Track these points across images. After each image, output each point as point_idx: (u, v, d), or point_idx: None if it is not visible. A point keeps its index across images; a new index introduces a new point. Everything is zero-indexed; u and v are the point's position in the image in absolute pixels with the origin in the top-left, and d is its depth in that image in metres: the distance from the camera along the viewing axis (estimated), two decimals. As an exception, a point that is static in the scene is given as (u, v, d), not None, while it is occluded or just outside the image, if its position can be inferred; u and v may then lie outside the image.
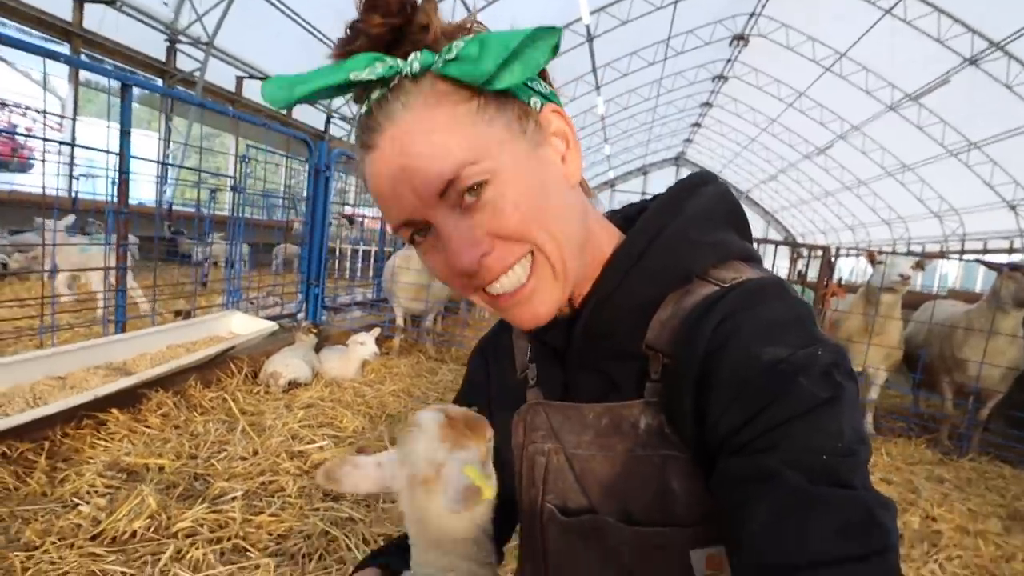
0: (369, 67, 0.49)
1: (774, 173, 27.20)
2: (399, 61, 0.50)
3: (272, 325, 3.68)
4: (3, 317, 3.40)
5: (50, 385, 2.46)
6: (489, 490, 0.55)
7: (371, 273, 7.68)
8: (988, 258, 4.74)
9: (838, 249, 5.18)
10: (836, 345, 0.50)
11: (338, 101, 15.23)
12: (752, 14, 16.48)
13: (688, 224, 0.59)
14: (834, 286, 4.75)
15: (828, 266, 4.62)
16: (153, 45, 10.93)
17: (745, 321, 0.51)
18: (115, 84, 3.09)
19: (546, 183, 0.54)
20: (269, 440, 2.53)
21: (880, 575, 0.40)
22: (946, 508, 2.72)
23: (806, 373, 0.47)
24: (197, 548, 1.69)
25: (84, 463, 2.14)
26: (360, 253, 8.40)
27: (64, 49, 9.22)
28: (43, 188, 3.14)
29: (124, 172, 3.10)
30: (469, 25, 0.53)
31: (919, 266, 3.87)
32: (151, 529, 1.77)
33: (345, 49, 0.51)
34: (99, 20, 9.67)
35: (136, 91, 3.25)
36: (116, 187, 3.17)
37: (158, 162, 10.27)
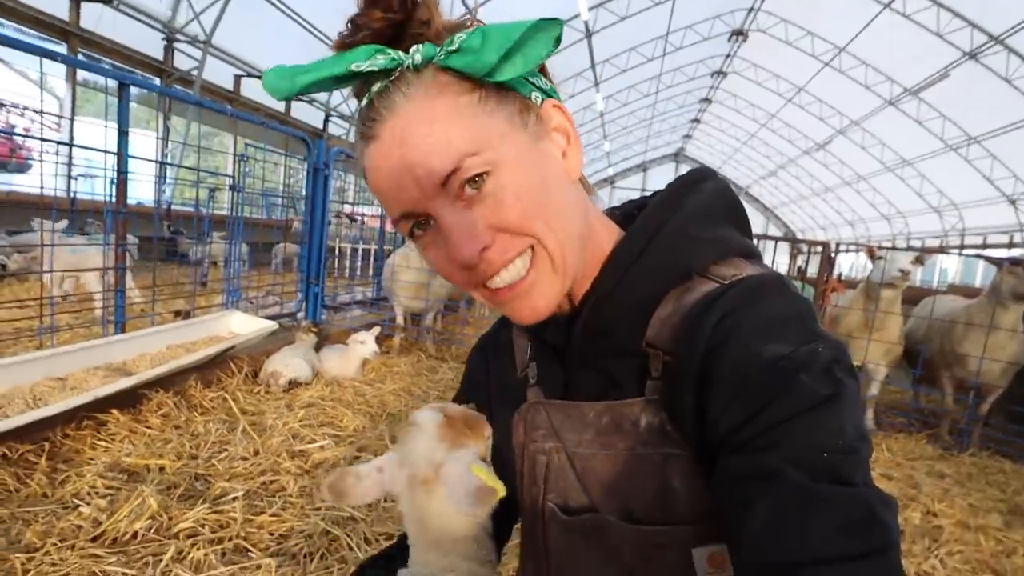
0: (371, 59, 0.49)
1: (773, 169, 27.17)
2: (401, 53, 0.50)
3: (272, 324, 3.68)
4: (2, 318, 3.40)
5: (50, 386, 2.46)
6: (502, 489, 0.55)
7: (371, 272, 7.67)
8: (988, 253, 4.73)
9: (838, 245, 5.18)
10: (837, 341, 0.50)
11: (336, 99, 15.28)
12: (751, 9, 16.44)
13: (688, 221, 0.58)
14: (834, 282, 4.74)
15: (828, 262, 4.62)
16: (151, 44, 10.92)
17: (745, 318, 0.51)
18: (113, 83, 3.10)
19: (547, 177, 0.53)
20: (270, 440, 2.53)
21: (881, 572, 0.40)
22: (947, 503, 2.72)
23: (807, 370, 0.47)
24: (198, 549, 1.68)
25: (84, 464, 2.14)
26: (360, 252, 8.40)
27: (61, 49, 9.20)
28: (41, 188, 3.12)
29: (122, 172, 3.09)
30: (469, 23, 0.53)
31: (919, 261, 3.87)
32: (152, 530, 1.77)
33: (346, 43, 0.50)
34: (96, 19, 9.66)
35: (134, 90, 3.24)
36: (114, 187, 3.17)
37: (157, 161, 10.27)
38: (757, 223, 29.73)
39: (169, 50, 11.30)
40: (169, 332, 3.34)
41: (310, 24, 12.09)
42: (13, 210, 6.93)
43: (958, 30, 12.82)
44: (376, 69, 0.49)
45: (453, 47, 0.48)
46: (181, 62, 11.51)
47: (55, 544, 1.63)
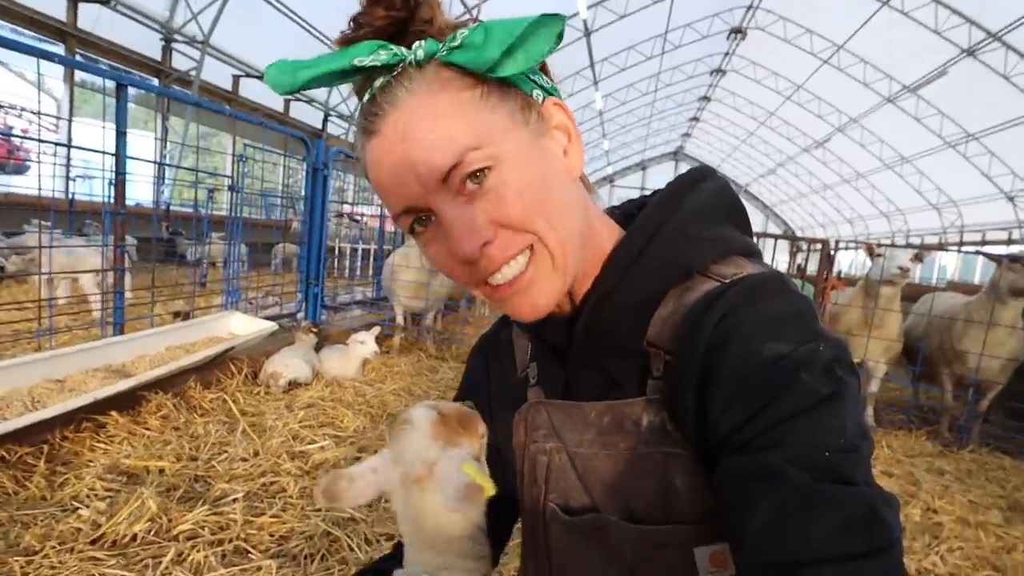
0: (373, 54, 0.49)
1: (773, 167, 27.19)
2: (403, 49, 0.50)
3: (272, 325, 3.67)
4: (1, 320, 3.39)
5: (48, 388, 2.45)
6: (490, 487, 0.55)
7: (370, 272, 7.67)
8: (987, 250, 4.74)
9: (837, 242, 5.18)
10: (837, 340, 0.50)
11: (335, 98, 15.27)
12: (749, 7, 16.44)
13: (688, 220, 0.58)
14: (834, 279, 4.74)
15: (827, 260, 4.62)
16: (148, 44, 10.90)
17: (746, 317, 0.51)
18: (110, 84, 3.08)
19: (548, 174, 0.53)
20: (270, 441, 2.52)
21: (883, 571, 0.40)
22: (947, 500, 2.72)
23: (808, 369, 0.47)
24: (198, 551, 1.68)
25: (83, 466, 2.13)
26: (359, 252, 8.39)
27: (59, 49, 9.19)
28: (39, 190, 3.12)
29: (120, 173, 3.09)
30: (472, 23, 0.53)
31: (918, 258, 3.87)
32: (152, 532, 1.76)
33: (348, 39, 0.51)
34: (94, 20, 9.64)
35: (132, 91, 3.23)
36: (113, 188, 3.16)
37: (155, 162, 10.25)
38: (757, 221, 29.74)
39: (167, 50, 11.28)
40: (168, 333, 3.33)
41: (309, 24, 12.08)
42: (11, 212, 6.92)
43: (956, 27, 12.83)
44: (378, 64, 0.49)
45: (456, 43, 0.49)
46: (179, 62, 11.50)
47: (54, 547, 1.63)
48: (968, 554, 2.26)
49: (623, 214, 0.67)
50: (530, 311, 0.56)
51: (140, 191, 10.86)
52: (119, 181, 3.10)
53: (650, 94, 22.12)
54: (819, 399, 0.46)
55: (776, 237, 5.69)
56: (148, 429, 2.51)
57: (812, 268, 5.47)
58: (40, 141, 3.40)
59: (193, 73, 11.37)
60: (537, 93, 0.55)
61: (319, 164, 4.58)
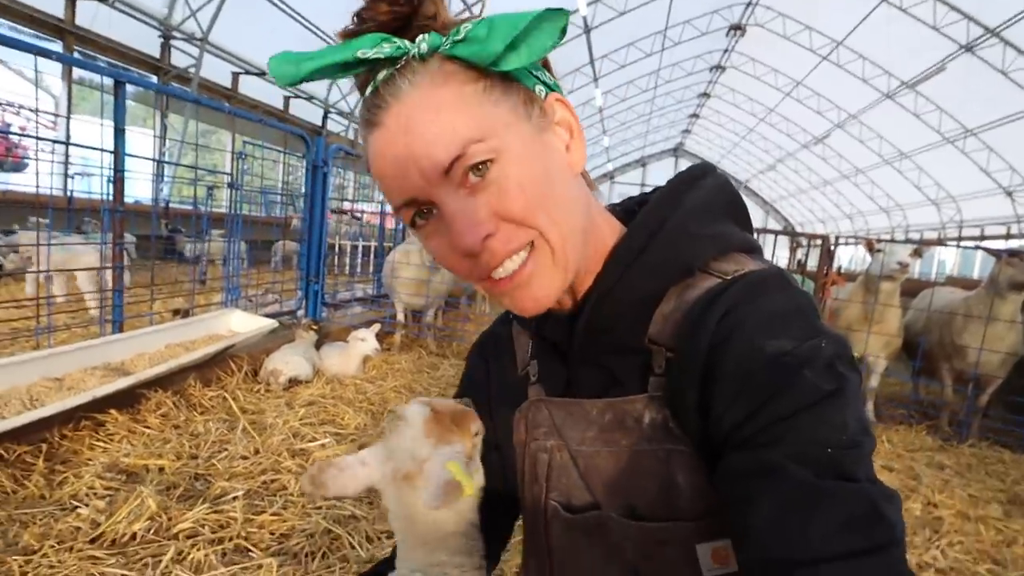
0: (377, 47, 0.49)
1: (772, 163, 27.18)
2: (407, 43, 0.50)
3: (272, 323, 3.67)
4: None
5: (47, 386, 2.44)
6: (470, 487, 0.55)
7: (371, 269, 7.66)
8: (986, 244, 4.74)
9: (837, 238, 5.18)
10: (839, 336, 0.50)
11: (335, 95, 15.23)
12: (748, 3, 16.41)
13: (688, 217, 0.58)
14: (834, 275, 4.75)
15: (827, 255, 4.62)
16: (147, 41, 10.87)
17: (748, 314, 0.51)
18: (109, 81, 3.06)
19: (550, 169, 0.53)
20: (270, 439, 2.52)
21: (885, 568, 0.40)
22: (947, 494, 2.73)
23: (810, 365, 0.47)
24: (198, 549, 1.68)
25: (83, 465, 2.13)
26: (359, 249, 8.38)
27: (57, 47, 9.17)
28: (36, 187, 3.11)
29: (119, 170, 3.08)
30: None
31: (917, 253, 3.87)
32: (151, 531, 1.76)
33: (351, 33, 0.51)
34: (92, 17, 9.61)
35: (132, 88, 3.22)
36: (112, 185, 3.15)
37: (154, 160, 10.22)
38: (756, 217, 29.71)
39: (166, 47, 11.25)
40: (168, 331, 3.32)
41: (308, 21, 12.05)
42: (9, 209, 6.90)
43: (954, 23, 12.82)
44: (382, 57, 0.49)
45: (459, 36, 0.49)
46: (178, 59, 11.47)
47: (53, 546, 1.62)
48: (968, 548, 2.26)
49: (624, 211, 0.67)
50: (532, 305, 0.56)
51: (139, 189, 10.84)
52: (118, 179, 3.09)
53: (650, 91, 22.09)
54: (821, 396, 0.46)
55: (776, 233, 5.69)
56: (148, 427, 2.50)
57: (812, 264, 5.47)
58: (38, 139, 3.39)
59: (192, 70, 11.34)
60: (540, 88, 0.55)
61: (319, 161, 4.57)
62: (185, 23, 10.93)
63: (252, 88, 13.37)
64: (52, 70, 9.53)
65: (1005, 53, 12.67)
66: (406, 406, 0.66)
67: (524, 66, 0.50)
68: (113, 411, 2.46)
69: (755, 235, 0.65)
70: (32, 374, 2.47)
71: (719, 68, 20.95)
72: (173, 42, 11.23)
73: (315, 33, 12.14)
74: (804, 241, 6.09)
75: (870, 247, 4.02)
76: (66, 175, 7.71)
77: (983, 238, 17.82)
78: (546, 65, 0.57)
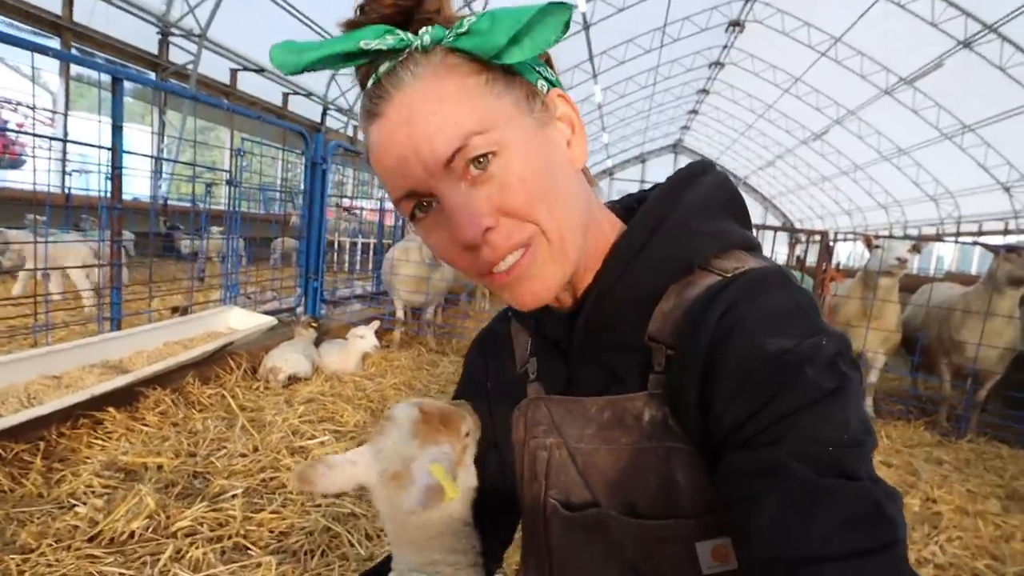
0: (380, 38, 0.49)
1: (771, 159, 27.16)
2: (410, 35, 0.49)
3: (271, 320, 3.66)
4: (-3, 316, 3.38)
5: (45, 384, 2.44)
6: (452, 491, 0.55)
7: (370, 266, 7.65)
8: (984, 240, 4.75)
9: (836, 234, 5.18)
10: (840, 334, 0.50)
11: (334, 92, 15.18)
12: (747, 0, 16.37)
13: (689, 214, 0.58)
14: (832, 271, 4.75)
15: (826, 251, 4.62)
16: (145, 38, 10.81)
17: (749, 312, 0.51)
18: (106, 78, 3.05)
19: (552, 163, 0.53)
20: (269, 436, 2.52)
21: (888, 567, 0.40)
22: (946, 490, 2.73)
23: (812, 364, 0.47)
24: (197, 547, 1.67)
25: (81, 463, 2.12)
26: (359, 246, 8.37)
27: (54, 43, 9.11)
28: (34, 185, 3.10)
29: (117, 167, 3.07)
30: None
31: (915, 249, 3.88)
32: (150, 529, 1.76)
33: (354, 24, 0.50)
34: (89, 13, 9.55)
35: (130, 85, 3.21)
36: (109, 183, 3.14)
37: (152, 156, 10.18)
38: (756, 213, 29.76)
39: (164, 44, 11.19)
40: (166, 329, 3.32)
41: (307, 17, 12.00)
42: (6, 206, 6.87)
43: (952, 19, 12.81)
44: (384, 48, 0.49)
45: (462, 29, 0.49)
46: (176, 56, 11.41)
47: (51, 545, 1.62)
48: (967, 543, 2.27)
49: (623, 208, 0.67)
50: (531, 299, 0.56)
51: (137, 186, 10.81)
52: (115, 176, 3.08)
53: (649, 87, 22.05)
54: (822, 394, 0.46)
55: (775, 229, 5.68)
56: (146, 425, 2.50)
57: (811, 260, 5.48)
58: (35, 136, 3.37)
59: (190, 67, 11.29)
60: (542, 83, 0.55)
61: (318, 158, 4.56)
62: (183, 19, 10.87)
63: (251, 85, 13.32)
64: (50, 67, 9.49)
65: (1003, 49, 12.67)
66: (395, 406, 0.66)
67: (527, 60, 0.50)
68: (111, 409, 2.46)
69: (754, 231, 0.65)
70: (30, 372, 2.46)
71: (718, 64, 20.91)
72: (171, 38, 11.18)
73: (314, 29, 12.10)
74: (803, 237, 6.09)
75: (868, 243, 4.03)
76: (64, 172, 7.67)
77: (981, 234, 17.86)
78: (548, 61, 0.57)
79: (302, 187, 4.77)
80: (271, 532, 1.84)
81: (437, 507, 0.57)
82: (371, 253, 7.87)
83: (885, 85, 16.41)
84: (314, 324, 3.87)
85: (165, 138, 11.75)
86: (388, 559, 0.73)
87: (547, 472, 0.64)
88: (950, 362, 3.96)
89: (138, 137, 11.50)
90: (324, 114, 15.89)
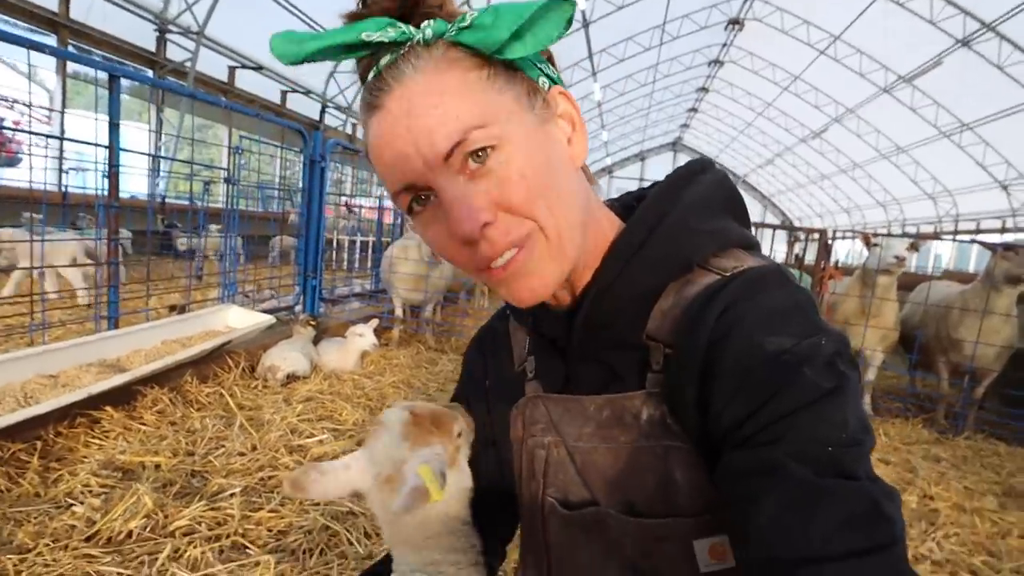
0: (382, 30, 0.48)
1: (770, 157, 27.18)
2: (411, 28, 0.49)
3: (269, 318, 3.65)
4: (-6, 315, 3.37)
5: (42, 384, 2.43)
6: (437, 492, 0.54)
7: (369, 264, 7.64)
8: (981, 238, 4.77)
9: (834, 232, 5.19)
10: (839, 334, 0.50)
11: (333, 90, 15.14)
12: (747, -3, 16.34)
13: (688, 212, 0.58)
14: (831, 269, 4.76)
15: (825, 249, 4.63)
16: (142, 35, 10.78)
17: (748, 311, 0.51)
18: (103, 75, 3.04)
19: (552, 160, 0.53)
20: (268, 435, 2.52)
21: (886, 567, 0.40)
22: (943, 487, 2.74)
23: (810, 363, 0.47)
24: (195, 547, 1.67)
25: (78, 462, 2.12)
26: (357, 244, 8.36)
27: (51, 40, 9.07)
28: (30, 183, 3.08)
29: (114, 165, 3.06)
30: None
31: (914, 247, 3.88)
32: (147, 528, 1.75)
33: (356, 16, 0.50)
34: (86, 10, 9.51)
35: (127, 83, 3.20)
36: (106, 180, 3.13)
37: (149, 154, 10.15)
38: (755, 211, 29.78)
39: (161, 41, 11.15)
40: (164, 327, 3.31)
41: (305, 15, 11.98)
42: (2, 205, 6.85)
43: (951, 17, 12.82)
44: (386, 41, 0.49)
45: (465, 23, 0.48)
46: (174, 53, 11.37)
47: (48, 544, 1.61)
48: (964, 540, 2.28)
49: (622, 206, 0.67)
50: (528, 296, 0.55)
51: (135, 183, 10.78)
52: (112, 173, 3.07)
53: (648, 85, 22.03)
54: (821, 394, 0.46)
55: (774, 227, 5.68)
56: (144, 424, 2.50)
57: (810, 258, 5.48)
58: (32, 133, 3.35)
59: (188, 64, 11.25)
60: (543, 80, 0.54)
61: (316, 156, 4.55)
62: (181, 17, 10.83)
63: (249, 82, 13.28)
64: (46, 64, 9.45)
65: (1001, 48, 12.68)
66: (387, 410, 0.66)
67: (528, 55, 0.50)
68: (109, 408, 2.45)
69: (753, 230, 0.65)
70: (26, 371, 2.45)
71: (717, 63, 20.90)
72: (169, 36, 11.14)
73: (312, 27, 12.05)
74: (802, 235, 6.10)
75: (867, 241, 4.03)
76: (60, 170, 7.65)
77: (979, 232, 17.90)
78: (550, 58, 0.57)
79: (300, 185, 4.75)
80: (269, 531, 1.83)
81: (422, 508, 0.57)
82: (370, 251, 7.86)
83: (884, 83, 16.41)
84: (312, 322, 3.87)
85: (163, 136, 11.72)
86: (387, 558, 0.73)
87: (545, 470, 0.64)
88: (948, 360, 3.97)
89: (135, 135, 11.48)
90: (323, 112, 15.85)
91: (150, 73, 10.90)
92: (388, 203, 7.51)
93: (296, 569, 1.66)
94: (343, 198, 8.25)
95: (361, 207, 8.55)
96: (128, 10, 10.10)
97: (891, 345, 4.16)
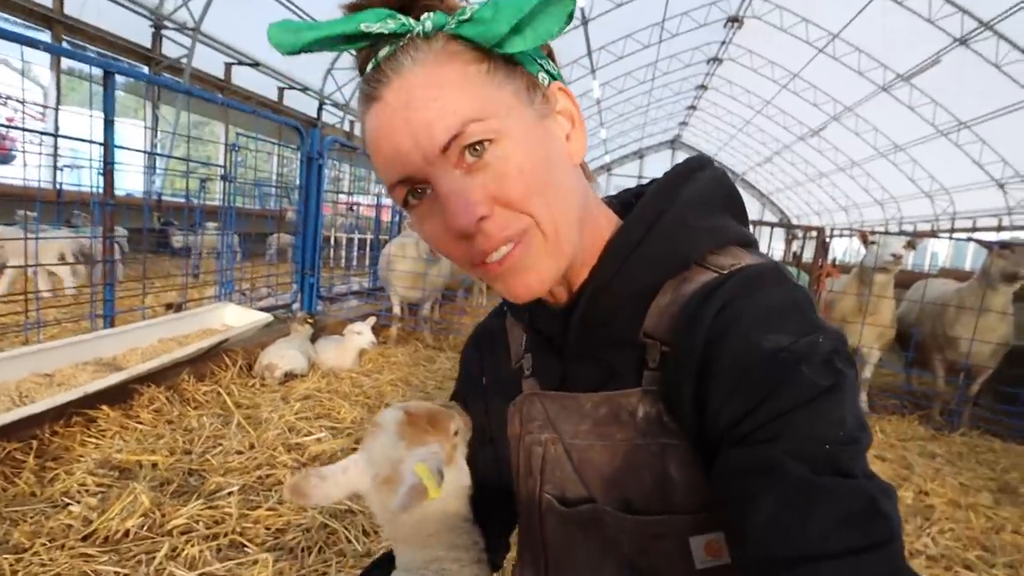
0: (381, 22, 0.48)
1: (769, 155, 27.20)
2: (411, 20, 0.49)
3: (266, 316, 3.64)
4: (-11, 313, 3.35)
5: (37, 382, 2.41)
6: (435, 490, 0.55)
7: (367, 262, 7.63)
8: (978, 236, 4.78)
9: (832, 230, 5.20)
10: (836, 331, 0.50)
11: (330, 87, 15.09)
12: (745, -6, 16.32)
13: (686, 210, 0.58)
14: (829, 267, 4.77)
15: (823, 247, 4.63)
16: (137, 31, 10.71)
17: (745, 309, 0.51)
18: (98, 72, 3.02)
19: (551, 156, 0.53)
20: (265, 433, 2.51)
21: (883, 565, 0.40)
22: (938, 483, 2.76)
23: (808, 361, 0.47)
24: (193, 545, 1.67)
25: (74, 462, 2.11)
26: (355, 242, 8.34)
27: (45, 36, 9.02)
28: (24, 180, 3.06)
29: (109, 162, 3.04)
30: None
31: (910, 245, 3.89)
32: (145, 527, 1.75)
33: (355, 7, 0.50)
34: (81, 5, 9.45)
35: (123, 79, 3.18)
36: (102, 178, 3.11)
37: (145, 152, 10.11)
38: (753, 209, 29.81)
39: (157, 37, 11.09)
40: (160, 325, 3.30)
41: (302, 11, 11.91)
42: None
43: (949, 16, 12.82)
44: (386, 32, 0.48)
45: (465, 16, 0.48)
46: (170, 49, 11.31)
47: (44, 544, 1.61)
48: (959, 535, 2.30)
49: (620, 203, 0.66)
50: (524, 291, 0.55)
51: (131, 181, 10.73)
52: (107, 171, 3.06)
53: (647, 82, 22.00)
54: (819, 392, 0.46)
55: (772, 225, 5.68)
56: (140, 423, 2.49)
57: (808, 256, 5.49)
58: (26, 130, 3.33)
59: (184, 60, 11.19)
60: (543, 76, 0.54)
61: (314, 153, 4.53)
62: (177, 12, 10.77)
63: (245, 79, 13.22)
64: (40, 60, 9.39)
65: (999, 46, 12.69)
66: (383, 411, 0.66)
67: (528, 50, 0.49)
68: (105, 407, 2.44)
69: (751, 227, 0.64)
70: (21, 370, 2.44)
71: (716, 60, 20.88)
72: (164, 32, 11.07)
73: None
74: (800, 233, 6.10)
75: (864, 239, 4.04)
76: (55, 167, 7.60)
77: (975, 230, 17.95)
78: (550, 54, 0.57)
79: (298, 182, 4.74)
80: (267, 529, 1.83)
81: (420, 507, 0.57)
82: (368, 249, 7.85)
83: (882, 82, 16.42)
84: (310, 320, 3.86)
85: (158, 133, 11.66)
86: (389, 554, 0.73)
87: (542, 467, 0.64)
88: (944, 357, 3.99)
89: (131, 132, 11.42)
90: (320, 109, 15.79)
91: (145, 69, 10.84)
92: (386, 201, 7.50)
93: (294, 567, 1.66)
94: (341, 195, 8.23)
95: (359, 204, 8.53)
96: (123, 6, 10.03)
97: (888, 343, 4.18)
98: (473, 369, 0.79)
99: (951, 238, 6.92)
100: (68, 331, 3.47)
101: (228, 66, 12.86)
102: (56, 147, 7.68)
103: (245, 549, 1.72)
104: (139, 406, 2.60)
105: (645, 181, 0.66)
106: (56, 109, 8.61)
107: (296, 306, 4.69)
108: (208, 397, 2.91)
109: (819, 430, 0.44)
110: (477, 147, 0.49)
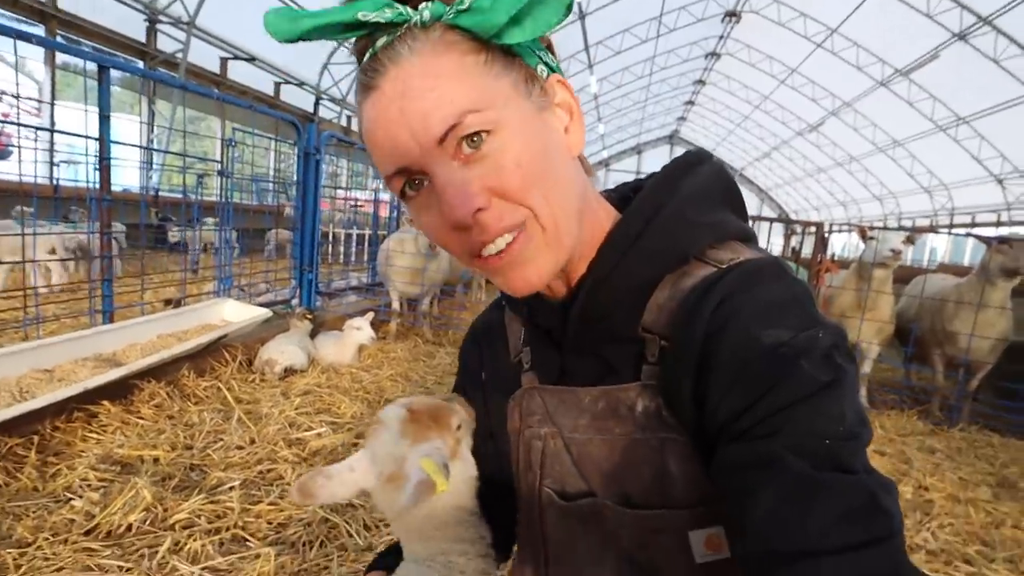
0: (379, 11, 0.47)
1: (767, 150, 27.17)
2: (409, 9, 0.48)
3: (265, 312, 3.64)
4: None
5: (37, 378, 2.41)
6: (442, 483, 0.55)
7: (365, 257, 7.62)
8: (977, 232, 4.78)
9: (831, 225, 5.20)
10: (836, 326, 0.50)
11: (327, 82, 15.02)
12: (744, -12, 16.26)
13: (685, 204, 0.58)
14: (828, 262, 4.77)
15: (821, 242, 4.64)
16: (132, 25, 10.64)
17: (744, 303, 0.50)
18: (93, 67, 3.00)
19: (549, 148, 0.52)
20: (266, 428, 2.52)
21: (884, 560, 0.40)
22: (938, 477, 2.77)
23: (807, 356, 0.47)
24: (195, 540, 1.67)
25: (76, 457, 2.11)
26: (354, 237, 8.33)
27: (39, 31, 8.95)
28: (20, 176, 3.05)
29: (105, 158, 3.03)
30: None
31: (909, 241, 3.89)
32: (147, 522, 1.75)
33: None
34: (75, 0, 9.38)
35: (119, 74, 3.16)
36: (98, 174, 3.10)
37: (141, 147, 10.07)
38: (752, 205, 29.53)
39: (152, 32, 11.02)
40: (159, 321, 3.29)
41: (299, 6, 11.83)
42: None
43: (948, 11, 12.78)
44: (383, 21, 0.48)
45: (463, 6, 0.48)
46: (165, 44, 11.24)
47: (47, 539, 1.61)
48: (958, 530, 2.30)
49: (619, 197, 0.66)
50: (523, 285, 0.55)
51: (128, 177, 10.68)
52: (104, 166, 3.04)
53: (645, 77, 21.93)
54: (818, 387, 0.45)
55: (771, 220, 5.69)
56: (141, 418, 2.49)
57: (807, 251, 5.50)
58: (21, 125, 3.30)
59: (179, 55, 11.13)
60: (542, 68, 0.54)
61: (311, 148, 4.51)
62: (171, 7, 10.70)
63: (241, 74, 13.16)
64: (35, 55, 9.33)
65: (997, 41, 12.66)
66: (385, 408, 0.67)
67: (527, 41, 0.49)
68: (106, 402, 2.45)
69: (750, 223, 0.64)
70: (21, 366, 2.43)
71: (714, 55, 20.81)
72: (159, 26, 11.00)
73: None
74: (798, 228, 6.11)
75: (863, 234, 4.04)
76: (51, 163, 7.57)
77: (974, 225, 17.95)
78: (549, 47, 0.56)
79: (295, 178, 4.73)
80: (269, 523, 1.84)
81: (429, 501, 0.57)
82: (366, 244, 7.83)
83: (881, 77, 16.38)
84: (309, 316, 3.86)
85: (155, 128, 11.61)
86: (394, 547, 0.73)
87: (542, 462, 0.64)
88: (943, 353, 4.00)
89: (127, 127, 11.35)
90: (317, 104, 15.72)
91: (141, 64, 10.78)
92: (384, 196, 7.48)
93: (296, 561, 1.67)
94: (339, 191, 8.21)
95: (357, 200, 8.51)
96: (118, 0, 9.97)
97: (887, 338, 4.18)
98: (471, 363, 0.79)
99: (950, 233, 6.94)
100: (67, 327, 3.47)
101: (224, 61, 12.79)
102: (52, 142, 7.64)
103: (247, 543, 1.73)
104: (140, 401, 2.60)
105: (643, 176, 0.66)
106: (51, 104, 8.57)
107: (295, 302, 4.68)
108: (208, 392, 2.91)
109: (819, 425, 0.44)
110: (474, 138, 0.48)
